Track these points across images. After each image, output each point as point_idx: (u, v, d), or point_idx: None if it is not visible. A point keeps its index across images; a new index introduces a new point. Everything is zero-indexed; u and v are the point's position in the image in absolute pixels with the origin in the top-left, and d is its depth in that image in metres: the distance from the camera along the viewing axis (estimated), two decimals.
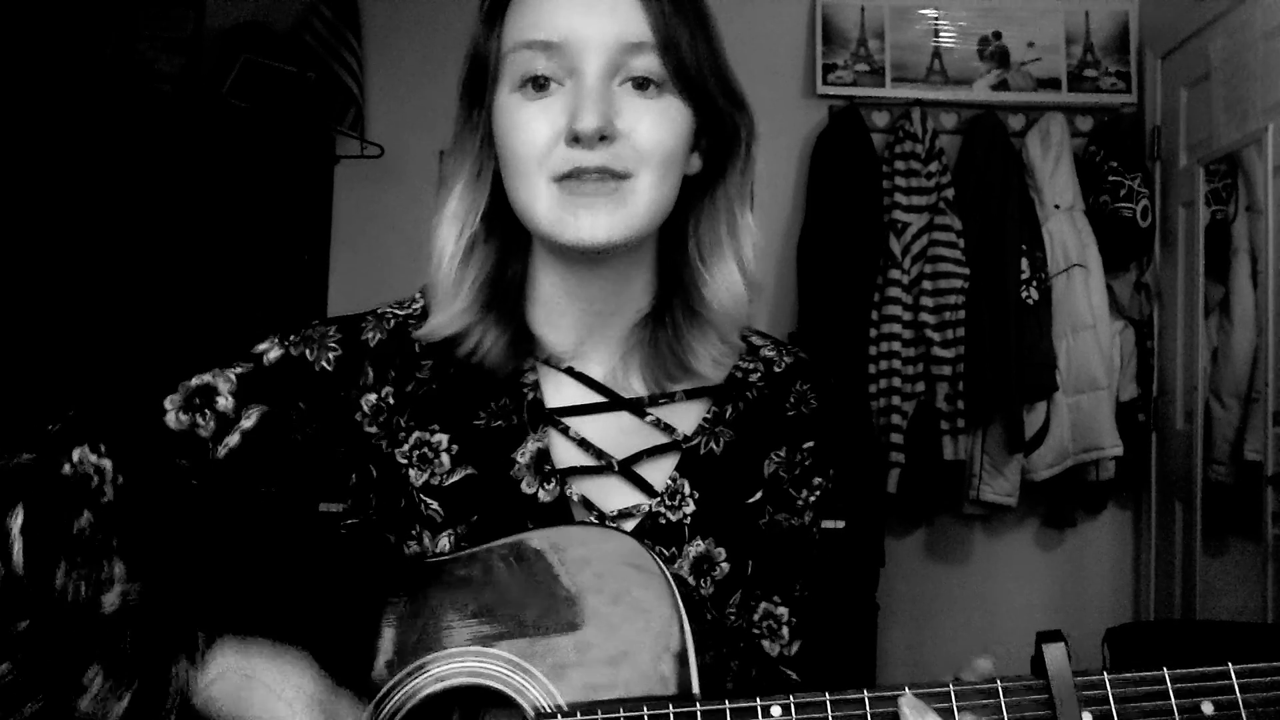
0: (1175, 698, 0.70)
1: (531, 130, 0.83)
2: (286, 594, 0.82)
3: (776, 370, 0.98)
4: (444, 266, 0.89)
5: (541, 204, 0.84)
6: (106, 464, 0.85)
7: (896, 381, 3.20)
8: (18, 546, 0.78)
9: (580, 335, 0.92)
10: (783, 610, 0.95)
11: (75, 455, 0.84)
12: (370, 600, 0.81)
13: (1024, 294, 3.20)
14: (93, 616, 0.78)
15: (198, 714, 0.76)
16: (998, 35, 3.51)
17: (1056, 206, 3.28)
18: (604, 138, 0.81)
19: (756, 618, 0.94)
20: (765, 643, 0.94)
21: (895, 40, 3.50)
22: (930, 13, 3.52)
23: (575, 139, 0.81)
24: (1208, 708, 0.70)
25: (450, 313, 0.89)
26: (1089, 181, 3.32)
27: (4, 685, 0.74)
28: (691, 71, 0.85)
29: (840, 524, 2.74)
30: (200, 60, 3.27)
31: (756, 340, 0.99)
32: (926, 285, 3.23)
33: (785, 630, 0.95)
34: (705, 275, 0.91)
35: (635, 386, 0.92)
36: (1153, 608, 3.33)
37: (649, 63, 0.83)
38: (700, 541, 0.90)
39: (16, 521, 0.79)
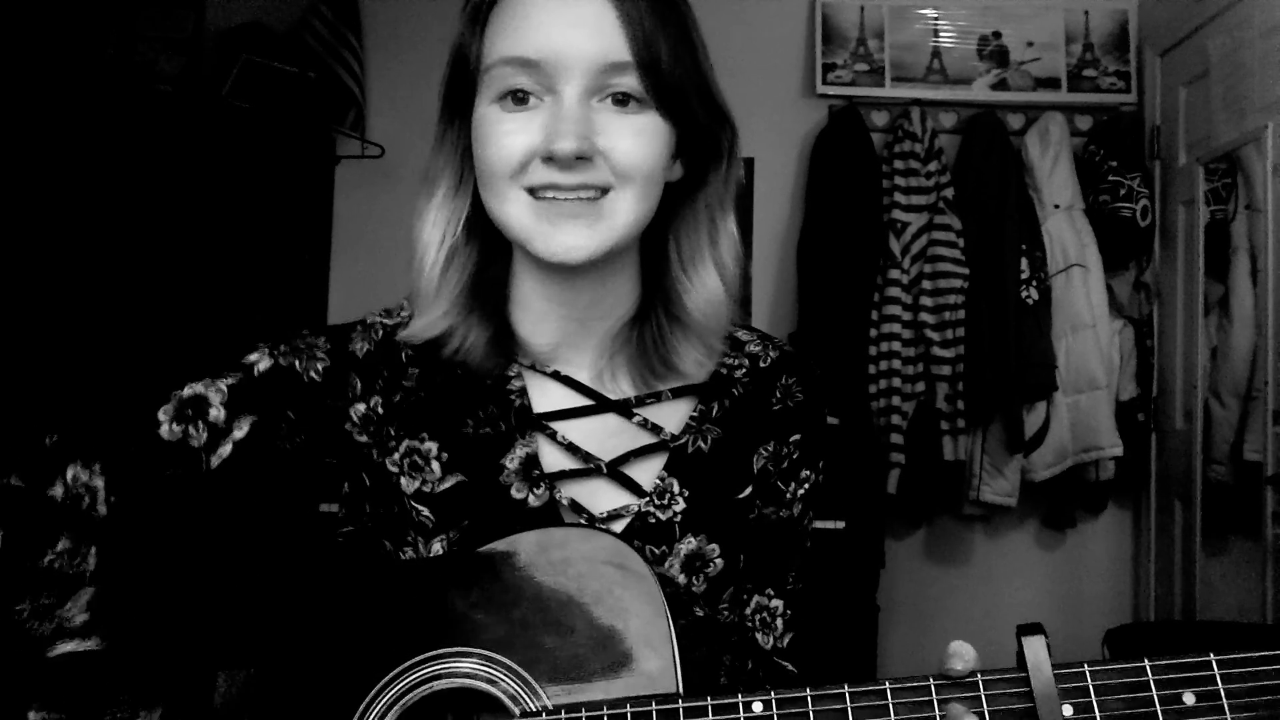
0: (1156, 688, 0.69)
1: (509, 145, 0.83)
2: (260, 644, 0.81)
3: (762, 365, 0.97)
4: (426, 273, 0.90)
5: (517, 215, 0.84)
6: (99, 483, 0.86)
7: (896, 381, 3.19)
8: None
9: (563, 339, 0.92)
10: (776, 603, 0.95)
11: (69, 474, 0.85)
12: (344, 624, 0.80)
13: (1023, 293, 3.19)
14: (38, 659, 0.77)
15: None
16: (997, 34, 3.51)
17: (1056, 206, 3.27)
18: (582, 158, 0.82)
19: (749, 611, 0.94)
20: (759, 636, 0.94)
21: (895, 40, 3.50)
22: (929, 12, 3.52)
23: (552, 159, 0.81)
24: (1189, 698, 0.69)
25: (432, 316, 0.90)
26: (1088, 181, 3.31)
27: None
28: (672, 89, 0.84)
29: (840, 524, 2.74)
30: (200, 61, 3.27)
31: (742, 335, 0.99)
32: (926, 285, 3.23)
33: (779, 623, 0.95)
34: (685, 283, 0.91)
35: (623, 387, 0.92)
36: (1152, 608, 3.32)
37: (629, 81, 0.83)
38: (692, 539, 0.90)
39: None
